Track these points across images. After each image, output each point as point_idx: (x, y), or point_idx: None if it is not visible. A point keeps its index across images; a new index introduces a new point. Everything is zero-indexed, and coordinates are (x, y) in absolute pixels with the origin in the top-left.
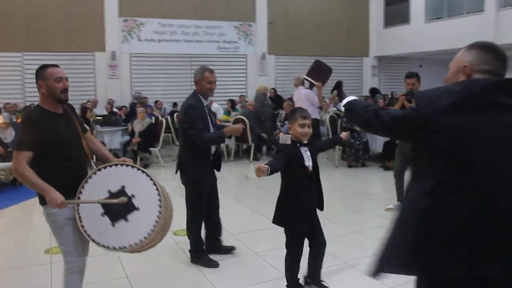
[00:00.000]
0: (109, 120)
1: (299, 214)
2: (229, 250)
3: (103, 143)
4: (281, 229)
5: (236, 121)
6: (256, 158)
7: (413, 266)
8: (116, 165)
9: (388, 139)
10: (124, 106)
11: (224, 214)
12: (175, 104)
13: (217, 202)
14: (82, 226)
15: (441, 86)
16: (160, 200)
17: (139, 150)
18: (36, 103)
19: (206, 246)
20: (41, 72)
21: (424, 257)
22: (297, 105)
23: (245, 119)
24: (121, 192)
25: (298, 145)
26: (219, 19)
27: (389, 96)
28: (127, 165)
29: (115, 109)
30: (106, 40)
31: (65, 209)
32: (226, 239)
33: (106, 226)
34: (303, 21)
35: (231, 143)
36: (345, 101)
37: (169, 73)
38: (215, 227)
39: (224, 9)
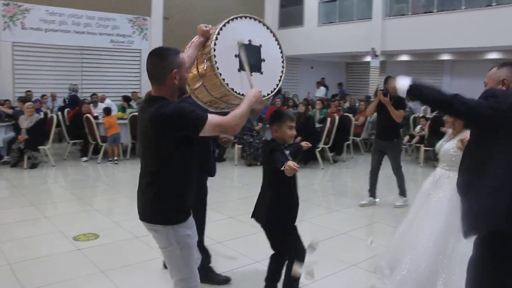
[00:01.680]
0: None
1: (293, 216)
2: (224, 281)
3: None
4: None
5: (132, 118)
6: None
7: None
8: (236, 18)
9: None
10: (7, 100)
11: None
12: (65, 101)
13: (202, 228)
14: (223, 79)
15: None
16: (282, 54)
17: (27, 148)
18: None
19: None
20: None
21: None
22: None
23: None
24: (250, 44)
25: (283, 147)
26: (113, 11)
27: (286, 96)
28: (246, 17)
29: None
30: None
31: (195, 229)
32: None
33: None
34: (200, 18)
35: (127, 140)
36: (406, 82)
37: (57, 65)
38: (204, 255)
39: (118, 0)
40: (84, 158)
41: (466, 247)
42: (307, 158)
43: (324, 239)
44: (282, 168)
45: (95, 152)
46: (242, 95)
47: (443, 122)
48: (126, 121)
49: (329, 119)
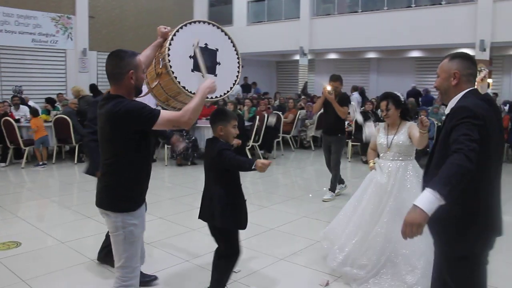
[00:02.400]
0: None
1: (246, 213)
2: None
3: None
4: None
5: (57, 120)
6: (81, 160)
7: None
8: (197, 22)
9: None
10: None
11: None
12: None
13: None
14: (175, 77)
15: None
16: (238, 57)
17: None
18: None
19: None
20: None
21: None
22: None
23: (68, 118)
24: (206, 47)
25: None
26: (34, 9)
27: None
28: (204, 22)
29: None
30: None
31: (143, 221)
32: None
33: (198, 79)
34: (127, 17)
35: (52, 142)
36: (436, 198)
37: None
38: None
39: None
40: (2, 164)
41: None
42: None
43: (253, 235)
44: (253, 168)
45: (17, 157)
46: (194, 93)
47: (368, 117)
48: (51, 124)
49: (258, 117)
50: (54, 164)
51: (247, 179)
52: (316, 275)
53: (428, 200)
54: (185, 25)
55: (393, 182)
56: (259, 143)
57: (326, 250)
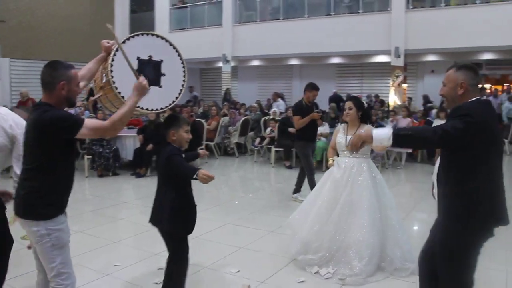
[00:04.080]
0: None
1: (194, 218)
2: None
3: None
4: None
5: None
6: None
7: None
8: (142, 34)
9: (138, 146)
10: None
11: None
12: None
13: None
14: (119, 93)
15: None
16: (184, 67)
17: None
18: None
19: None
20: None
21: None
22: None
23: None
24: (150, 59)
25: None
26: None
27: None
28: (147, 34)
29: None
30: None
31: (67, 227)
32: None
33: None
34: (41, 24)
35: None
36: (386, 133)
37: None
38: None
39: None
40: None
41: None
42: None
43: None
44: (195, 177)
45: None
46: (138, 107)
47: (290, 123)
48: None
49: None
50: None
51: None
52: (241, 281)
53: (382, 131)
54: (128, 39)
55: (348, 177)
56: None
57: (287, 239)
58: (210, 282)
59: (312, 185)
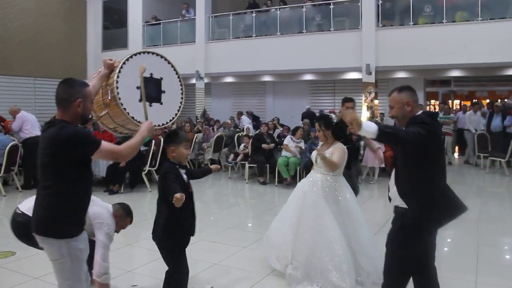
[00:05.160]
0: None
1: (189, 233)
2: None
3: None
4: None
5: None
6: None
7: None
8: (142, 53)
9: (111, 163)
10: None
11: None
12: None
13: None
14: (125, 109)
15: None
16: (181, 85)
17: None
18: None
19: None
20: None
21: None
22: None
23: None
24: (151, 77)
25: (177, 167)
26: None
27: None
28: (148, 52)
29: None
30: None
31: (87, 244)
32: None
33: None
34: (14, 37)
35: None
36: (373, 127)
37: None
38: None
39: None
40: None
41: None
42: (134, 182)
43: (151, 260)
44: (172, 201)
45: None
46: (141, 122)
47: (264, 139)
48: None
49: (154, 141)
50: None
51: (145, 203)
52: None
53: (370, 124)
54: (131, 56)
55: (315, 190)
56: (156, 167)
57: (261, 255)
58: None
59: None
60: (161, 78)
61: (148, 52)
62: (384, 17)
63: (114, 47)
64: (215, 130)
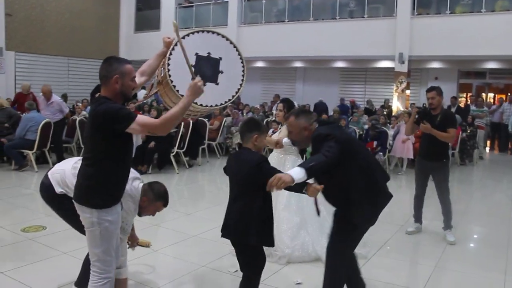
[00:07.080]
0: None
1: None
2: None
3: None
4: None
5: None
6: None
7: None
8: (202, 31)
9: (140, 144)
10: None
11: None
12: None
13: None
14: (174, 86)
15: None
16: (243, 67)
17: None
18: None
19: None
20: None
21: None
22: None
23: None
24: (208, 56)
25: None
26: None
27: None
28: (208, 31)
29: None
30: None
31: (118, 218)
32: None
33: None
34: (48, 17)
35: None
36: (303, 172)
37: None
38: None
39: None
40: None
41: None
42: (161, 163)
43: (178, 241)
44: (304, 192)
45: None
46: (194, 102)
47: None
48: None
49: (183, 124)
50: None
51: (172, 185)
52: (238, 280)
53: (298, 171)
54: (188, 35)
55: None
56: (184, 149)
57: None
58: (206, 281)
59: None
60: (220, 58)
61: (209, 31)
62: (420, 5)
63: (146, 28)
64: (244, 114)
